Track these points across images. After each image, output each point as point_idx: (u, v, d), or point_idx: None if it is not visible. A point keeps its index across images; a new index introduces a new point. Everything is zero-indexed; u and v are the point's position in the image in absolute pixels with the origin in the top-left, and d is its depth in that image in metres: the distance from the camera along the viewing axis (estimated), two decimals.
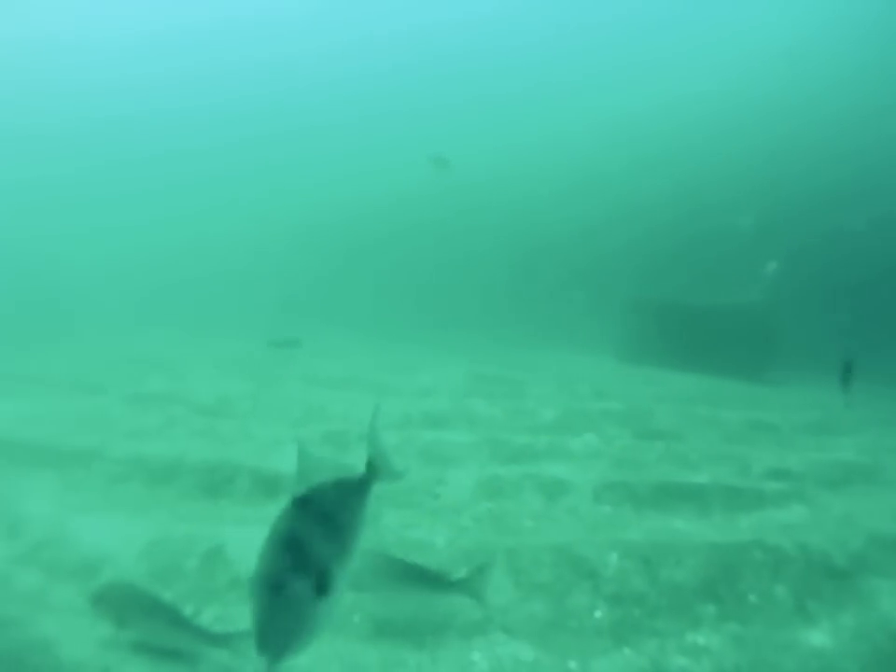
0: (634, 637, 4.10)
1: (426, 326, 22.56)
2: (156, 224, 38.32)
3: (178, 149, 42.68)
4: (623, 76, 31.44)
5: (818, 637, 4.11)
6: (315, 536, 2.13)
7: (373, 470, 2.66)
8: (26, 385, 11.51)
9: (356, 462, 5.58)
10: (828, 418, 10.39)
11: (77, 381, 11.80)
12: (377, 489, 2.57)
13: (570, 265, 23.69)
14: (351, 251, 30.18)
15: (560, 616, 4.29)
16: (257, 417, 9.08)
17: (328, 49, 43.75)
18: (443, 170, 18.78)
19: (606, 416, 9.30)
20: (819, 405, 11.63)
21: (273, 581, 1.95)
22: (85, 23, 47.75)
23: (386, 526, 5.46)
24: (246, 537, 4.98)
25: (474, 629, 4.20)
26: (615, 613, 4.29)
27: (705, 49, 30.39)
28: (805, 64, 23.26)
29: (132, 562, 4.90)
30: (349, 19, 44.54)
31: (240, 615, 4.36)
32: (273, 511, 5.54)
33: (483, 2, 40.14)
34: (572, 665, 3.88)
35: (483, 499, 6.21)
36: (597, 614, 4.29)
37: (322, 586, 1.99)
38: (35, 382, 11.86)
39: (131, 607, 3.99)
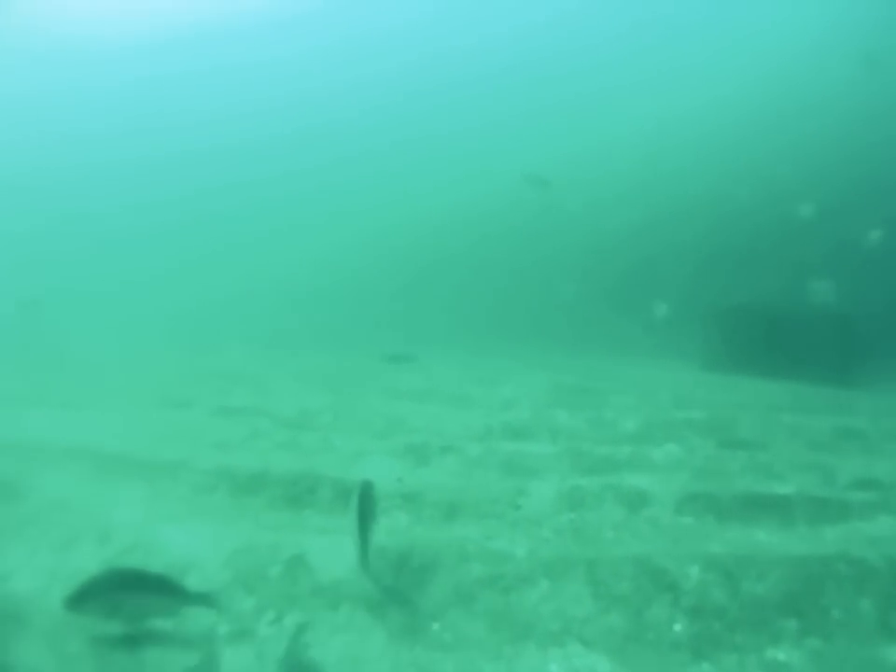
0: (713, 651, 4.06)
1: (506, 338, 22.55)
2: (235, 246, 39.05)
3: (260, 175, 43.44)
4: (656, 84, 31.12)
5: None
6: None
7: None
8: (116, 399, 11.85)
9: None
10: None
11: (165, 395, 12.10)
12: None
13: (650, 274, 23.46)
14: (427, 265, 30.30)
15: (638, 629, 4.27)
16: (338, 429, 9.19)
17: (391, 68, 44.08)
18: (542, 189, 18.86)
19: (688, 426, 9.20)
20: None
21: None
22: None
23: (468, 538, 5.49)
24: (328, 545, 5.11)
25: (552, 640, 4.22)
26: (694, 627, 4.26)
27: (726, 52, 29.96)
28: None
29: (217, 568, 5.02)
30: (416, 38, 44.84)
31: (322, 621, 4.46)
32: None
33: (526, 15, 40.02)
34: None
35: (564, 510, 6.20)
36: (677, 627, 4.27)
37: None
38: (125, 396, 12.21)
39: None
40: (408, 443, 8.22)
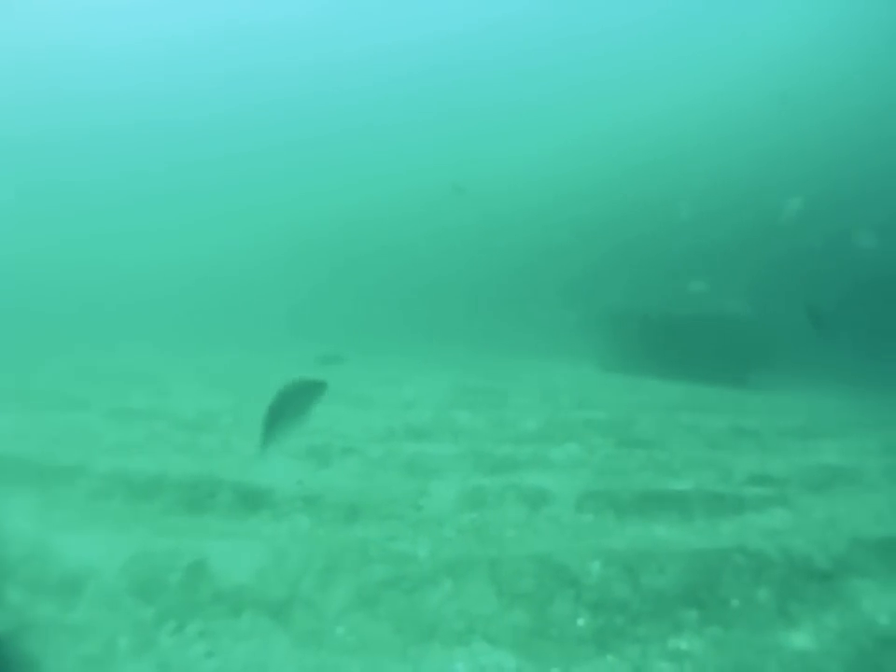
0: (616, 643, 4.10)
1: (410, 338, 22.57)
2: (138, 236, 38.17)
3: (167, 161, 42.57)
4: (625, 83, 31.57)
5: (800, 640, 4.11)
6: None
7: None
8: (6, 401, 11.44)
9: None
10: (811, 423, 10.40)
11: (60, 396, 11.73)
12: None
13: (554, 275, 23.75)
14: (337, 265, 30.15)
15: (543, 625, 4.28)
16: (239, 432, 9.04)
17: (327, 59, 43.74)
18: (461, 196, 19.07)
19: (588, 425, 9.30)
20: (803, 410, 11.67)
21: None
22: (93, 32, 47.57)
23: (370, 539, 5.43)
24: (229, 550, 5.00)
25: (457, 639, 4.20)
26: (598, 621, 4.29)
27: (707, 51, 30.57)
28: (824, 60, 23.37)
29: (115, 577, 4.87)
30: (344, 31, 44.56)
31: (223, 629, 4.35)
32: (255, 524, 5.55)
33: (482, 12, 40.22)
34: None
35: (466, 510, 6.19)
36: (580, 622, 4.29)
37: None
38: (17, 397, 11.79)
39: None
40: (309, 445, 8.12)
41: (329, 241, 30.96)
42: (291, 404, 5.74)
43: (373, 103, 39.72)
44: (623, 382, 14.56)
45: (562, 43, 35.62)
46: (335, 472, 7.32)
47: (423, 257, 27.71)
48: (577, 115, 30.05)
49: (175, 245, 36.94)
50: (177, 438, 8.75)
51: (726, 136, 22.88)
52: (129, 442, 8.54)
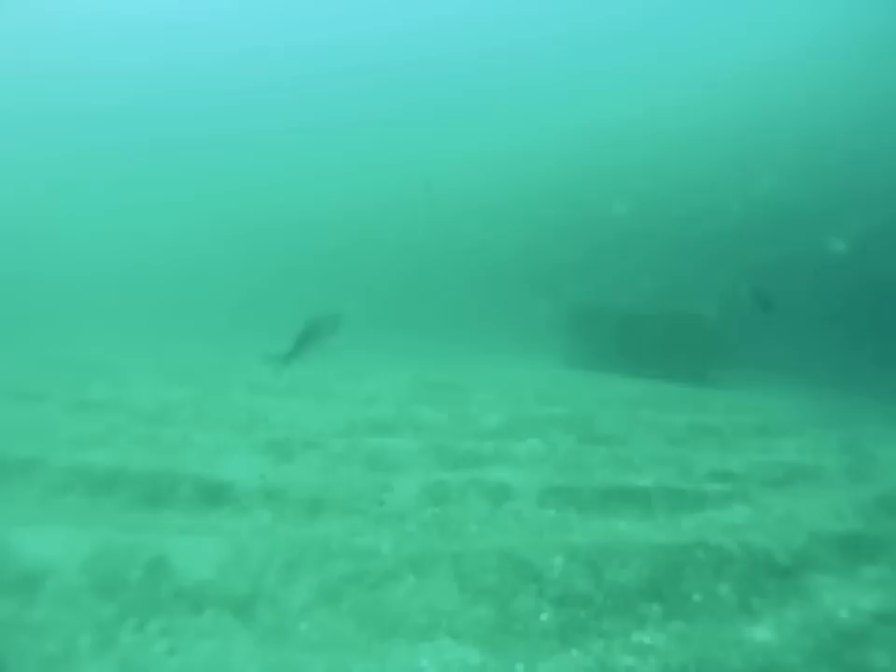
0: (580, 638, 4.12)
1: (373, 331, 22.51)
2: (99, 217, 37.60)
3: (136, 140, 42.02)
4: (606, 80, 31.68)
5: (762, 633, 4.16)
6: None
7: None
8: None
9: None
10: (770, 421, 10.52)
11: (16, 387, 11.55)
12: None
13: (515, 272, 23.82)
14: (301, 256, 29.95)
15: (506, 620, 4.29)
16: (199, 425, 8.97)
17: (298, 46, 43.50)
18: (430, 193, 19.08)
19: (550, 421, 9.33)
20: (762, 408, 11.80)
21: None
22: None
23: (332, 535, 5.41)
24: (190, 546, 4.96)
25: (421, 635, 4.19)
26: (561, 615, 4.31)
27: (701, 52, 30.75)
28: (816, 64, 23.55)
29: (74, 573, 4.81)
30: (310, 19, 44.40)
31: (185, 626, 4.31)
32: (216, 519, 5.50)
33: (460, 3, 40.26)
34: (520, 667, 3.89)
35: (429, 505, 6.19)
36: (543, 617, 4.30)
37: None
38: None
39: None
40: (270, 439, 8.07)
41: (297, 231, 30.77)
42: (316, 330, 6.03)
43: (353, 92, 39.52)
44: (585, 378, 14.63)
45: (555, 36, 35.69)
46: (297, 467, 7.28)
47: (393, 250, 27.67)
48: (558, 109, 30.12)
49: (133, 230, 36.44)
50: (137, 431, 8.65)
51: (710, 136, 23.08)
52: (88, 435, 8.43)
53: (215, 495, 6.34)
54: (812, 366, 15.70)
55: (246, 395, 10.99)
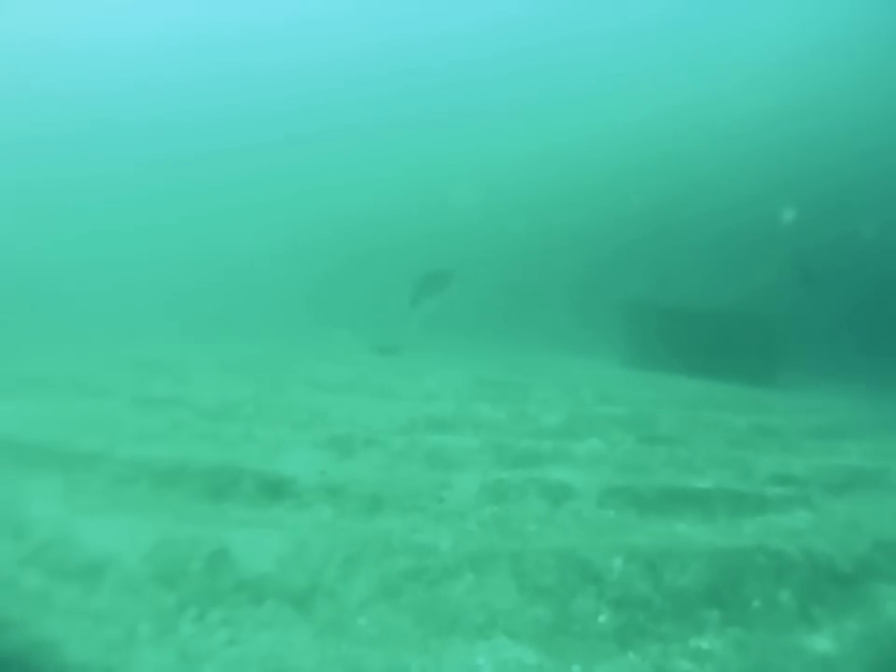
0: (638, 641, 4.11)
1: (429, 330, 22.52)
2: (160, 227, 38.32)
3: (184, 154, 42.70)
4: (629, 81, 31.40)
5: (821, 643, 4.11)
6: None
7: None
8: (31, 387, 11.52)
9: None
10: (833, 422, 10.36)
11: (83, 383, 11.80)
12: None
13: (576, 270, 23.69)
14: (354, 254, 30.13)
15: (564, 620, 4.30)
16: (261, 421, 9.08)
17: (331, 54, 43.76)
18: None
19: (610, 421, 9.30)
20: (825, 409, 11.62)
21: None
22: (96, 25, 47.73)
23: (392, 531, 5.46)
24: (251, 539, 5.03)
25: (478, 633, 4.21)
26: (619, 618, 4.30)
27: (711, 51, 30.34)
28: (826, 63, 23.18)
29: (137, 563, 4.92)
30: (343, 29, 44.66)
31: (245, 617, 4.39)
32: (277, 513, 5.59)
33: (476, 11, 40.17)
34: (576, 669, 3.89)
35: (488, 503, 6.20)
36: (601, 619, 4.30)
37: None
38: (41, 384, 11.87)
39: None
40: (331, 435, 8.13)
41: (350, 233, 30.97)
42: (431, 282, 6.30)
43: (394, 94, 39.65)
44: (644, 377, 14.52)
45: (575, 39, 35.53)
46: (358, 463, 7.34)
47: (442, 249, 27.64)
48: (606, 103, 29.91)
49: (197, 236, 37.05)
50: (200, 426, 8.78)
51: (745, 131, 22.74)
52: (152, 430, 8.59)
53: (276, 489, 6.43)
54: (876, 367, 15.42)
55: (307, 392, 11.09)
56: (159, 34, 47.37)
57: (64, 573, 4.92)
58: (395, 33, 42.87)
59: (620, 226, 23.34)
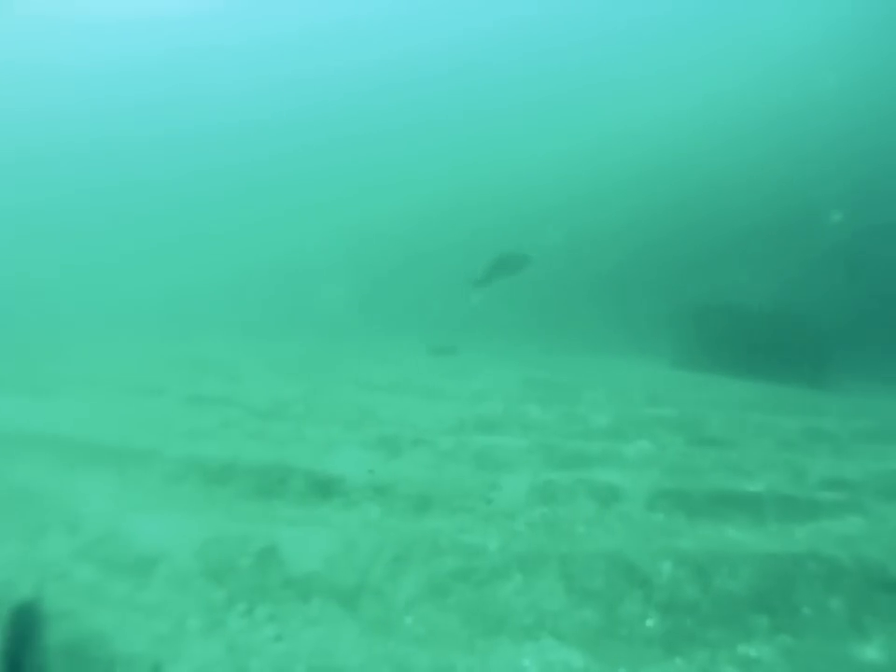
0: (685, 646, 4.09)
1: (477, 331, 22.53)
2: (213, 230, 38.84)
3: (235, 160, 43.26)
4: (643, 82, 31.23)
5: (871, 653, 4.05)
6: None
7: None
8: (85, 387, 11.77)
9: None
10: (887, 426, 10.18)
11: (135, 382, 12.03)
12: None
13: (623, 270, 23.54)
14: (404, 257, 30.20)
15: (611, 624, 4.29)
16: (310, 420, 9.18)
17: (377, 58, 44.07)
18: None
19: (659, 422, 9.24)
20: (879, 412, 11.43)
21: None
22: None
23: (440, 530, 5.49)
24: (299, 537, 5.11)
25: (525, 634, 4.23)
26: (667, 622, 4.28)
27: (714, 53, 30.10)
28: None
29: (187, 559, 5.02)
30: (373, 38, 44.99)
31: (292, 614, 4.45)
32: (325, 511, 5.65)
33: (496, 15, 40.15)
34: None
35: (537, 504, 6.21)
36: (649, 623, 4.29)
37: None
38: (94, 383, 12.13)
39: None
40: (380, 435, 8.21)
41: (399, 235, 31.06)
42: (503, 266, 6.43)
43: (445, 96, 39.75)
44: (693, 378, 14.41)
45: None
46: (406, 463, 7.39)
47: (489, 250, 27.62)
48: (642, 98, 29.68)
49: (248, 239, 37.46)
50: (250, 425, 8.92)
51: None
52: (203, 428, 8.74)
53: (325, 488, 6.50)
54: None
55: (356, 392, 11.18)
56: (233, 40, 48.04)
57: (116, 567, 5.04)
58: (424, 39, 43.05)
59: (666, 225, 23.13)
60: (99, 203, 41.20)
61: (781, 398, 12.21)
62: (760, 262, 20.03)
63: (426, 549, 5.07)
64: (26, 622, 3.74)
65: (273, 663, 4.00)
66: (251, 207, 40.28)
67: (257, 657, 4.05)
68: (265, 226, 38.39)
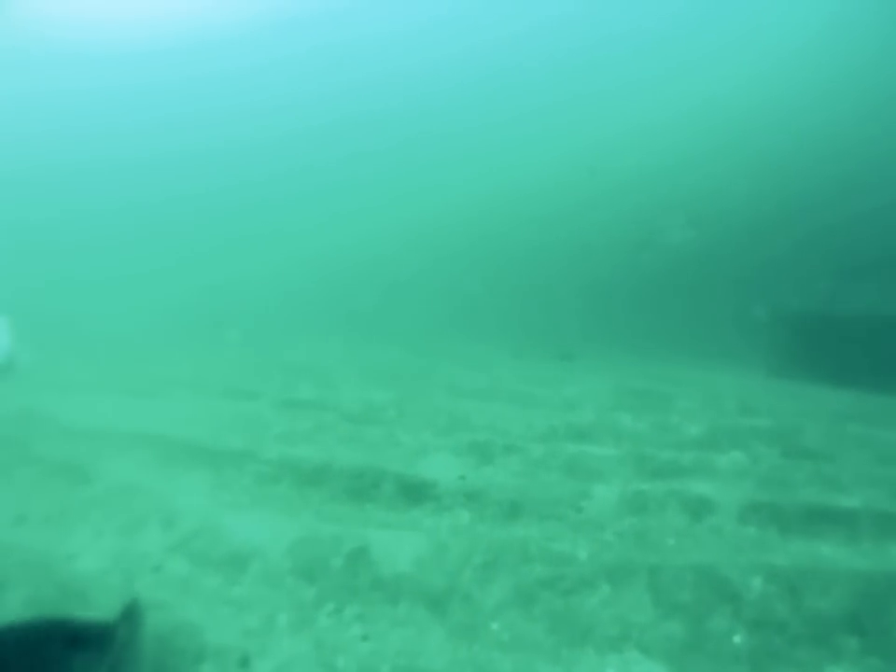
0: (772, 665, 4.05)
1: (569, 339, 22.42)
2: (302, 233, 39.49)
3: (323, 159, 43.94)
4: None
5: None
6: None
7: None
8: (182, 389, 12.14)
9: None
10: None
11: (231, 386, 12.36)
12: None
13: (716, 277, 23.19)
14: (493, 264, 30.21)
15: (698, 638, 4.29)
16: (402, 425, 9.30)
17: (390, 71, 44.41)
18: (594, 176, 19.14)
19: (753, 433, 9.10)
20: None
21: None
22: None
23: (530, 538, 5.54)
24: (390, 539, 5.22)
25: (610, 645, 4.26)
26: (755, 639, 4.25)
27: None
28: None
29: (279, 557, 5.18)
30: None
31: (380, 614, 4.57)
32: (416, 515, 5.76)
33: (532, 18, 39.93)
34: None
35: (627, 515, 6.20)
36: (736, 639, 4.27)
37: None
38: (191, 386, 12.50)
39: None
40: (471, 441, 8.27)
41: (486, 243, 31.11)
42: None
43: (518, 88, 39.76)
44: (788, 387, 14.10)
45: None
46: (497, 469, 7.44)
47: (579, 255, 27.45)
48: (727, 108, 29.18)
49: (343, 245, 37.93)
50: (343, 429, 9.08)
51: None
52: (297, 431, 8.94)
53: (416, 492, 6.60)
54: None
55: (447, 398, 11.26)
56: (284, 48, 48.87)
57: (209, 562, 5.23)
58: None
59: (758, 230, 22.71)
60: (169, 210, 42.37)
61: (881, 408, 11.87)
62: (855, 265, 19.51)
63: (515, 556, 5.13)
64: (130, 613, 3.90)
65: (359, 661, 4.11)
66: (340, 208, 40.85)
67: (343, 655, 4.17)
68: (358, 230, 38.86)
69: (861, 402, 12.39)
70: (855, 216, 20.34)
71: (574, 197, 28.31)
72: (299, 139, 45.82)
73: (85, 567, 5.32)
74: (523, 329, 24.42)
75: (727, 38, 30.82)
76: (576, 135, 33.87)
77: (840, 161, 21.97)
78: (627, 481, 7.10)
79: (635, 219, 25.77)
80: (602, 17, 37.18)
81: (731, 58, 29.96)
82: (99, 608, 4.68)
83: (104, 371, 14.69)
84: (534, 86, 37.89)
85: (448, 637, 4.38)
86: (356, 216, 40.00)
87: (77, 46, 48.45)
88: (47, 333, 19.21)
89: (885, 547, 5.66)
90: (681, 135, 28.31)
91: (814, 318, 16.54)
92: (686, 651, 4.19)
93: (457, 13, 43.42)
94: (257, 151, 46.08)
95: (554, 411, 10.30)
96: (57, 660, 3.63)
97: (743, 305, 20.76)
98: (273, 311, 28.90)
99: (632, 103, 32.00)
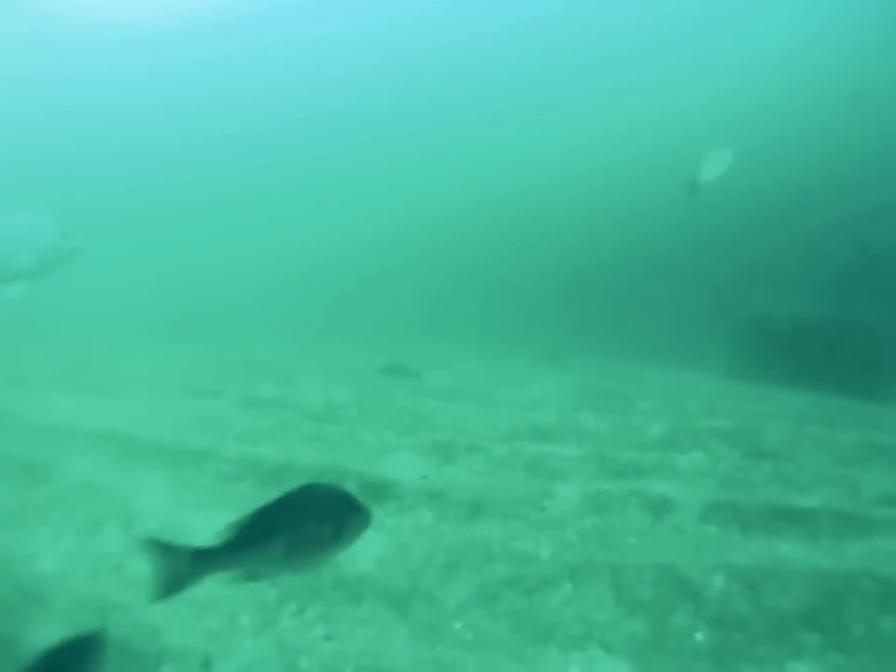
0: (734, 662, 4.08)
1: (532, 338, 22.45)
2: (263, 231, 39.30)
3: (292, 156, 43.74)
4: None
5: None
6: None
7: None
8: (144, 387, 12.05)
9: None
10: None
11: (193, 383, 12.27)
12: None
13: (678, 279, 23.32)
14: (457, 260, 30.17)
15: (660, 636, 4.31)
16: (365, 424, 9.28)
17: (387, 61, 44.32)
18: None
19: (714, 434, 9.16)
20: None
21: None
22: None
23: (492, 537, 5.54)
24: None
25: (574, 644, 4.27)
26: (716, 637, 4.28)
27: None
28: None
29: None
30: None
31: (343, 615, 4.55)
32: (378, 516, 5.74)
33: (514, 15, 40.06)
34: None
35: (589, 514, 6.22)
36: (698, 637, 4.29)
37: None
38: (153, 383, 12.40)
39: None
40: (434, 441, 8.27)
41: (448, 237, 31.07)
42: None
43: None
44: (749, 390, 14.22)
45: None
46: (459, 469, 7.44)
47: (552, 254, 27.46)
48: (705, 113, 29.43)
49: (300, 243, 37.77)
50: (305, 428, 9.06)
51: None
52: (258, 430, 8.90)
53: (378, 492, 6.59)
54: None
55: (410, 397, 11.25)
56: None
57: None
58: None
59: (719, 234, 22.86)
60: (133, 202, 42.01)
61: (838, 409, 12.02)
62: (813, 270, 19.72)
63: (477, 555, 5.15)
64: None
65: (323, 662, 4.10)
66: (302, 204, 40.73)
67: (306, 656, 4.15)
68: (318, 227, 38.74)
69: (819, 404, 12.54)
70: (810, 216, 20.52)
71: (554, 197, 28.32)
72: (271, 133, 45.58)
73: (44, 568, 5.27)
74: (492, 328, 24.43)
75: (727, 38, 30.95)
76: (557, 134, 33.86)
77: (824, 165, 22.19)
78: (589, 480, 7.13)
79: (618, 219, 25.85)
80: (591, 14, 37.24)
81: (725, 57, 30.14)
82: (58, 611, 4.63)
83: (65, 368, 14.56)
84: (514, 83, 37.82)
85: (411, 636, 4.37)
86: (327, 212, 39.77)
87: (69, 28, 47.94)
88: (6, 326, 18.90)
89: (843, 545, 5.72)
90: (671, 135, 28.47)
91: (773, 322, 16.72)
92: (649, 649, 4.21)
93: (437, 11, 43.39)
94: (230, 144, 45.75)
95: (518, 410, 10.33)
96: None
97: (711, 308, 20.89)
98: (239, 307, 28.67)
99: (614, 104, 32.06)
